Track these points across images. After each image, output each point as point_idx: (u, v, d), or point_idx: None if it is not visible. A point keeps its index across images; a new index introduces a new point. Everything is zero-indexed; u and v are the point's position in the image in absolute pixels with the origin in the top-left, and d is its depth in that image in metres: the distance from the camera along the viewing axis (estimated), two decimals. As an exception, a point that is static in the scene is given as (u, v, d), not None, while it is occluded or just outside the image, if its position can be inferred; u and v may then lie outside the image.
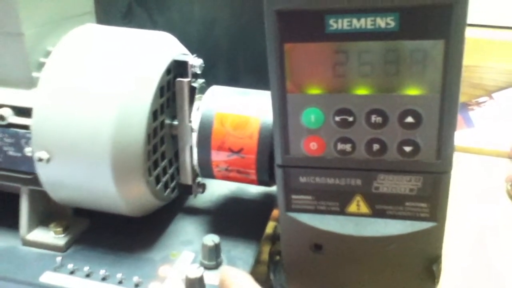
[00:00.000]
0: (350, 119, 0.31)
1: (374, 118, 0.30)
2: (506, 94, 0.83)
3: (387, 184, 0.32)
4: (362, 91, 0.30)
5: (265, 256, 0.49)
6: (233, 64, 0.53)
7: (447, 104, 0.29)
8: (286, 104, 0.31)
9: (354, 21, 0.28)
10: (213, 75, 0.46)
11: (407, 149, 0.31)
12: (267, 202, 0.50)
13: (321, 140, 0.32)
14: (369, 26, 0.28)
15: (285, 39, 0.29)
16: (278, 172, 0.34)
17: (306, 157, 0.32)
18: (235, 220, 0.47)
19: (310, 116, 0.31)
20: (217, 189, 0.51)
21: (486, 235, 0.51)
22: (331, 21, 0.28)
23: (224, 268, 0.35)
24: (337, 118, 0.31)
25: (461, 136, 0.74)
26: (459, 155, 0.69)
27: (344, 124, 0.31)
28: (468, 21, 0.27)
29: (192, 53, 0.44)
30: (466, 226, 0.52)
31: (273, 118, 0.32)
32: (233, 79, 0.50)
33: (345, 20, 0.28)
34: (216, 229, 0.45)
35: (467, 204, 0.55)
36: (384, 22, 0.28)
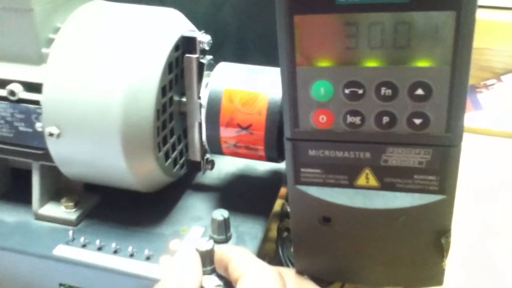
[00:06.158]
0: (360, 91, 0.31)
1: (384, 91, 0.30)
2: (515, 76, 0.82)
3: (396, 157, 0.32)
4: (372, 63, 0.30)
5: (273, 233, 0.49)
6: (241, 43, 0.53)
7: (457, 77, 0.29)
8: (295, 77, 0.31)
9: (365, -8, 0.28)
10: (221, 54, 0.46)
11: (417, 121, 0.31)
12: (275, 179, 0.50)
13: (330, 113, 0.32)
14: (379, -3, 0.28)
15: (295, 11, 0.29)
16: (287, 146, 0.34)
17: (315, 130, 0.33)
18: (244, 197, 0.47)
19: (320, 89, 0.31)
20: (225, 166, 0.52)
21: (487, 233, 0.51)
22: (342, -8, 0.28)
23: (218, 248, 0.35)
24: (347, 91, 0.31)
25: (469, 118, 0.74)
26: (466, 135, 0.69)
27: (354, 96, 0.31)
28: (478, 3, 0.27)
29: (200, 31, 0.44)
30: (467, 224, 0.52)
31: (282, 92, 0.32)
32: (241, 58, 0.50)
33: (356, -9, 0.28)
34: (225, 205, 0.45)
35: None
36: (395, -7, 0.27)
